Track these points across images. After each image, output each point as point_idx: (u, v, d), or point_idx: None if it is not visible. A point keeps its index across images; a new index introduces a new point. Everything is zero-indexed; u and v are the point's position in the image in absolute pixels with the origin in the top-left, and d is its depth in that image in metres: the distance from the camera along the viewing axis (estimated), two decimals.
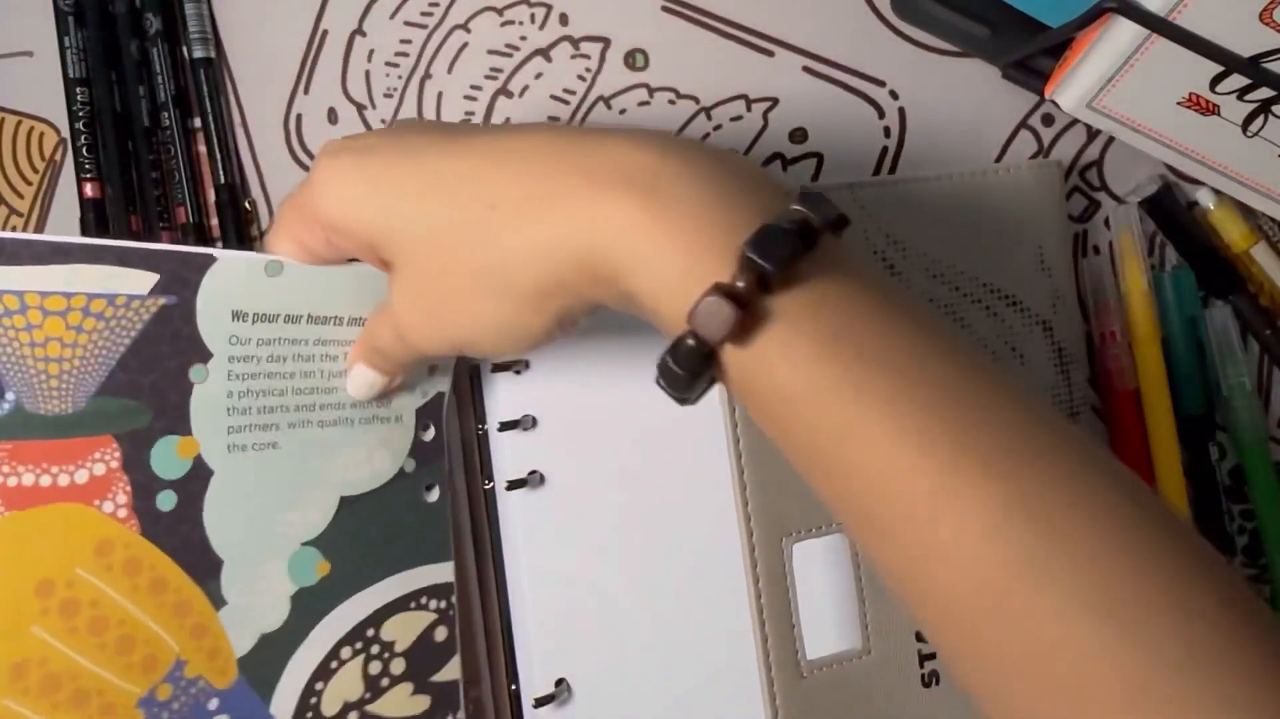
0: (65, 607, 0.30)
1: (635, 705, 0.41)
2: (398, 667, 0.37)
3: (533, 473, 0.41)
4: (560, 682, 0.40)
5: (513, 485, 0.40)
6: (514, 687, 0.40)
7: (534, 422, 0.41)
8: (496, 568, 0.41)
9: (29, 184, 0.45)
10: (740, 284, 0.26)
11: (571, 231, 0.28)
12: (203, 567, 0.33)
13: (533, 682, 0.40)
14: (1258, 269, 0.47)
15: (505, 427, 0.40)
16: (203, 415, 0.33)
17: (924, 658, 0.42)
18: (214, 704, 0.33)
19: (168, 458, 0.32)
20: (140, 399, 0.32)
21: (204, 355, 0.33)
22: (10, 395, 0.30)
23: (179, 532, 0.32)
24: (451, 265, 0.30)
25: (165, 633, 0.32)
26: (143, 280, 0.32)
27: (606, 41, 0.45)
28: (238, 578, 0.33)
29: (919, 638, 0.42)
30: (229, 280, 0.33)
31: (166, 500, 0.32)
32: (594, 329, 0.41)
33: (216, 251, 0.33)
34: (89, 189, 0.44)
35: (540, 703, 0.40)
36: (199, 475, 0.33)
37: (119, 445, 0.31)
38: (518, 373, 0.41)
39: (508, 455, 0.41)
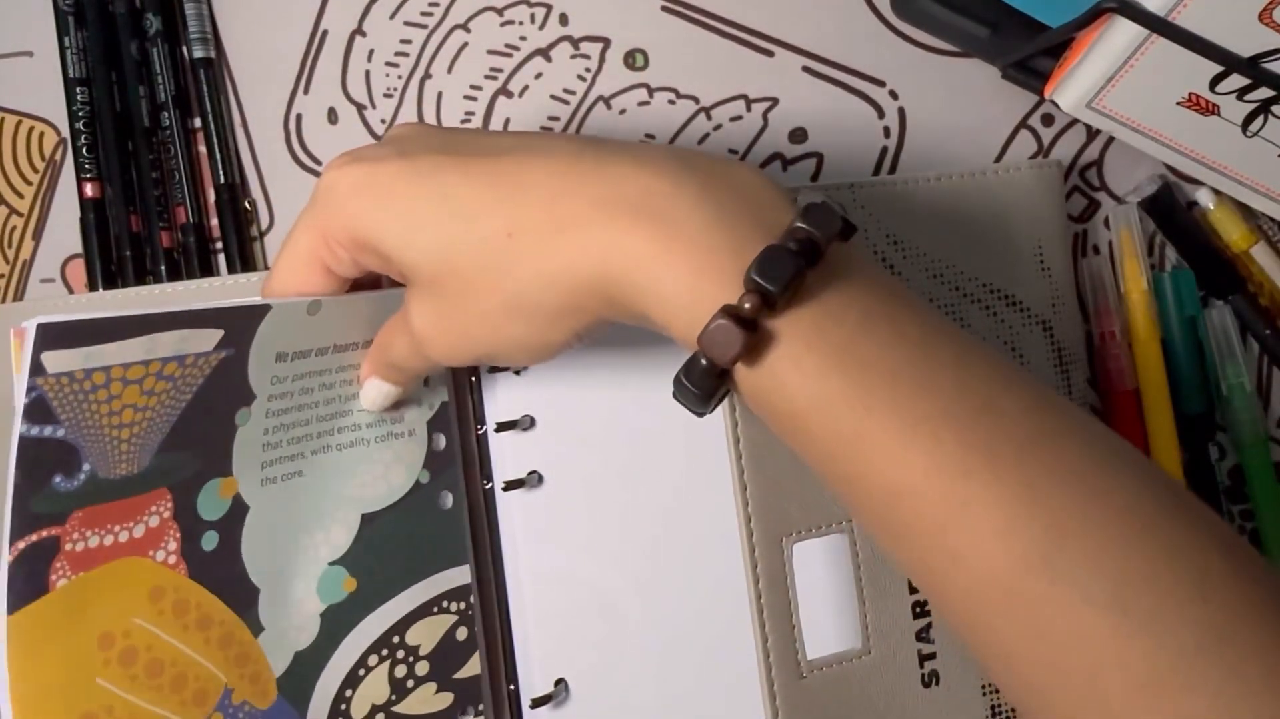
0: (124, 655, 0.31)
1: (634, 706, 0.41)
2: (422, 669, 0.38)
3: (531, 473, 0.41)
4: (559, 682, 0.40)
5: (510, 485, 0.40)
6: (513, 687, 0.40)
7: (532, 421, 0.41)
8: (495, 568, 0.41)
9: (29, 184, 0.45)
10: (747, 306, 0.27)
11: (587, 260, 0.29)
12: (242, 598, 0.34)
13: (531, 682, 0.40)
14: (1257, 269, 0.47)
15: (503, 427, 0.40)
16: (242, 455, 0.34)
17: (924, 658, 0.42)
18: None
19: (211, 500, 0.33)
20: (193, 449, 0.32)
21: (249, 399, 0.33)
22: (86, 466, 0.30)
23: (221, 568, 0.33)
24: (473, 289, 0.30)
25: (213, 666, 0.33)
26: (209, 338, 0.32)
27: (606, 41, 0.45)
28: (273, 604, 0.35)
29: (919, 638, 0.42)
30: (278, 325, 0.34)
31: (210, 541, 0.33)
32: None
33: (272, 301, 0.34)
34: (89, 189, 0.44)
35: (538, 703, 0.40)
36: (237, 512, 0.34)
37: (172, 496, 0.32)
38: (516, 373, 0.41)
39: (506, 456, 0.41)
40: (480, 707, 0.39)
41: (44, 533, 0.29)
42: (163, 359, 0.31)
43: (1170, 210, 0.46)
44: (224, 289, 0.42)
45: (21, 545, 0.29)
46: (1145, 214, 0.47)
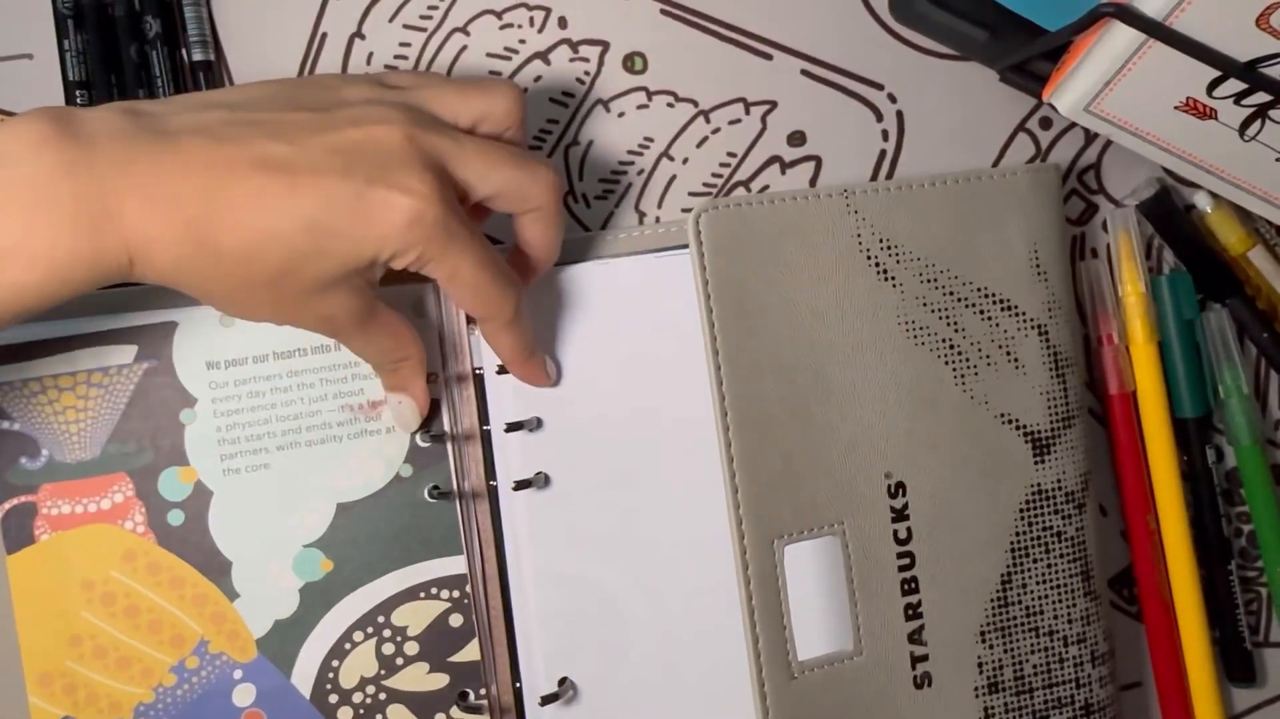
0: (105, 598, 0.39)
1: (639, 704, 0.41)
2: (411, 649, 0.41)
3: (538, 474, 0.41)
4: (564, 680, 0.41)
5: (519, 486, 0.41)
6: (518, 685, 0.41)
7: (539, 423, 0.41)
8: (500, 567, 0.41)
9: None
10: None
11: None
12: (214, 567, 0.40)
13: (536, 681, 0.41)
14: (1255, 272, 0.47)
15: (511, 428, 0.41)
16: (197, 448, 0.40)
17: (916, 660, 0.42)
18: (238, 674, 0.40)
19: (172, 484, 0.40)
20: (143, 442, 0.40)
21: (190, 401, 0.40)
22: (45, 452, 0.40)
23: (190, 541, 0.40)
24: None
25: (187, 618, 0.40)
26: (126, 353, 0.40)
27: (605, 45, 0.45)
28: (247, 575, 0.40)
29: (911, 640, 0.42)
30: (194, 337, 0.40)
31: (176, 517, 0.40)
32: (597, 330, 0.42)
33: (179, 317, 0.40)
34: None
35: (546, 701, 0.40)
36: (201, 496, 0.40)
37: (131, 479, 0.40)
38: None
39: (514, 456, 0.41)
40: (483, 691, 0.41)
41: (22, 498, 0.39)
42: (87, 370, 0.40)
43: (1168, 213, 0.47)
44: None
45: (7, 506, 0.39)
46: (1143, 217, 0.47)
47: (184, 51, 0.44)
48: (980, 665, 0.43)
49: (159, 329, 0.40)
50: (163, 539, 0.40)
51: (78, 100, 0.43)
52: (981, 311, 0.44)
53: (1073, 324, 0.46)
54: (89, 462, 0.40)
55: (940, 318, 0.43)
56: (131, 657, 0.40)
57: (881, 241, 0.43)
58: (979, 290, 0.44)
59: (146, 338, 0.40)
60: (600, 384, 0.42)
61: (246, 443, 0.40)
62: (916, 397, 0.43)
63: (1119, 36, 0.38)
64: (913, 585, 0.42)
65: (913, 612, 0.42)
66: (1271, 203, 0.42)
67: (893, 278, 0.43)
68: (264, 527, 0.40)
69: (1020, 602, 0.43)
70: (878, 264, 0.43)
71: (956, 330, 0.43)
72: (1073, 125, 0.47)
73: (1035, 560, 0.44)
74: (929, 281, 0.43)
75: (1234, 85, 0.38)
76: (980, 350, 0.44)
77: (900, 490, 0.42)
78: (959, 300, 0.43)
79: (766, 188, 0.46)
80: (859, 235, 0.42)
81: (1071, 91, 0.40)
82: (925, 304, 0.43)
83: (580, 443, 0.41)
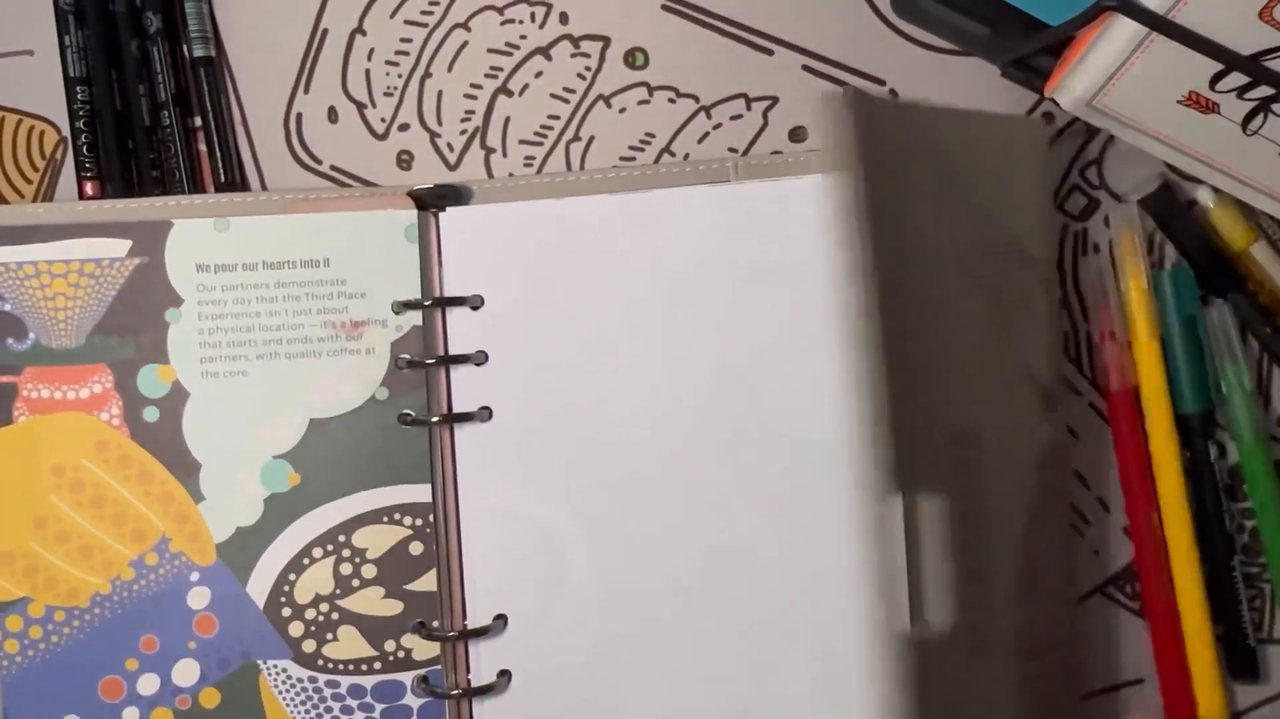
0: (73, 484, 0.41)
1: (572, 645, 0.41)
2: (369, 571, 0.41)
3: (482, 408, 0.41)
4: (499, 617, 0.41)
5: (460, 419, 0.41)
6: (465, 621, 0.41)
7: (485, 357, 0.41)
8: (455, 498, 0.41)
9: (29, 182, 0.45)
10: None
11: None
12: (183, 467, 0.41)
13: (472, 614, 0.41)
14: (1257, 268, 0.47)
15: (456, 360, 0.41)
16: (178, 348, 0.41)
17: (976, 627, 0.38)
18: (195, 577, 0.41)
19: (151, 381, 0.41)
20: (126, 336, 0.41)
21: (176, 301, 0.41)
22: (32, 335, 0.41)
23: (162, 438, 0.41)
24: None
25: (151, 514, 0.41)
26: (120, 246, 0.41)
27: (606, 40, 0.45)
28: (214, 479, 0.41)
29: (972, 606, 0.38)
30: (188, 239, 0.41)
31: (151, 414, 0.41)
32: (550, 267, 0.42)
33: (175, 218, 0.41)
34: (89, 188, 0.44)
35: (474, 634, 0.41)
36: (177, 395, 0.41)
37: (111, 371, 0.41)
38: (474, 309, 0.41)
39: (457, 389, 0.41)
40: (435, 624, 0.41)
41: (4, 379, 0.41)
42: (80, 259, 0.41)
43: (1170, 209, 0.47)
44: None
45: None
46: (1145, 213, 0.47)
47: (185, 47, 0.44)
48: (1017, 631, 0.41)
49: (155, 227, 0.41)
50: (136, 434, 0.41)
51: (79, 96, 0.43)
52: (1011, 261, 0.42)
53: (1055, 283, 0.45)
54: (73, 350, 0.41)
55: (990, 261, 0.41)
56: (93, 545, 0.41)
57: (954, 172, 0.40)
58: (1009, 244, 0.42)
59: (142, 234, 0.41)
60: (550, 318, 0.42)
61: (227, 348, 0.41)
62: (983, 347, 0.40)
63: (1122, 30, 0.38)
64: (977, 547, 0.39)
65: (972, 574, 0.38)
66: (1274, 197, 0.42)
67: (963, 214, 0.40)
68: (236, 433, 0.41)
69: (1035, 564, 0.41)
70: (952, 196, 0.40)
71: (1001, 278, 0.41)
72: (1075, 120, 0.47)
73: (1045, 518, 0.42)
74: (979, 222, 0.41)
75: (1237, 79, 0.38)
76: (1015, 299, 0.42)
77: (973, 444, 0.39)
78: (1002, 247, 0.42)
79: None
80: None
81: (1074, 87, 0.40)
82: (979, 248, 0.41)
83: (527, 378, 0.41)
